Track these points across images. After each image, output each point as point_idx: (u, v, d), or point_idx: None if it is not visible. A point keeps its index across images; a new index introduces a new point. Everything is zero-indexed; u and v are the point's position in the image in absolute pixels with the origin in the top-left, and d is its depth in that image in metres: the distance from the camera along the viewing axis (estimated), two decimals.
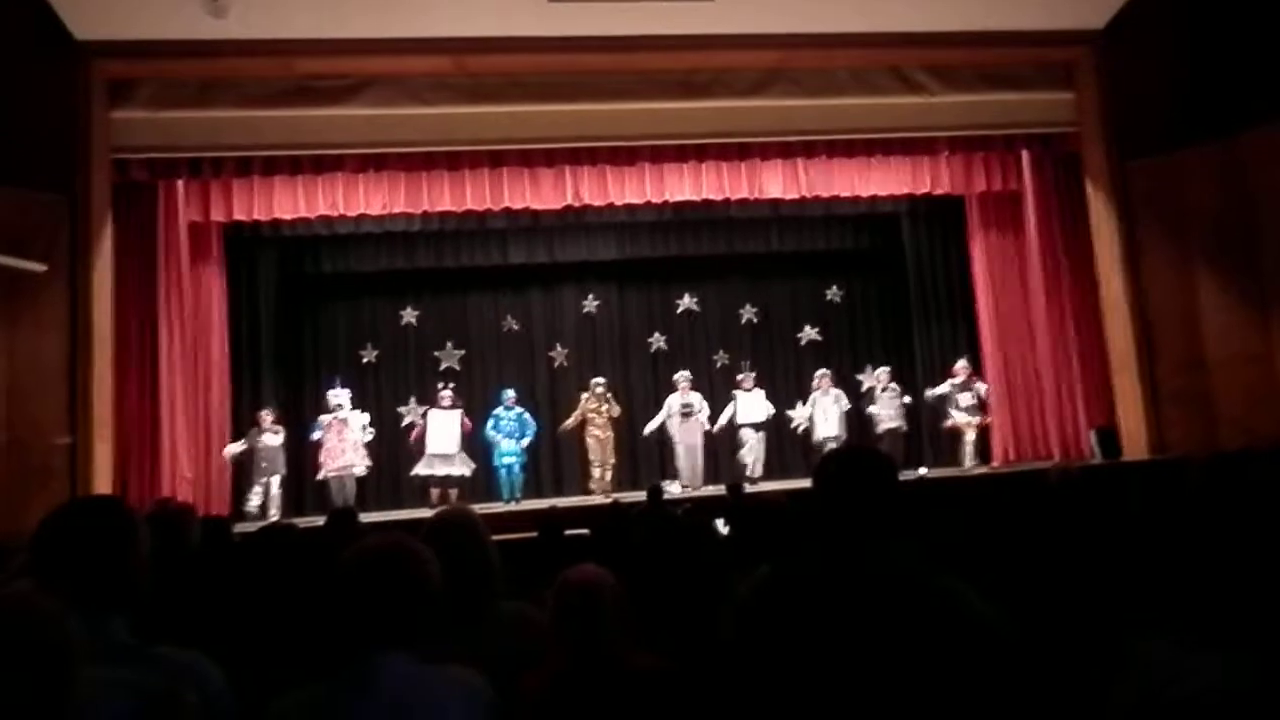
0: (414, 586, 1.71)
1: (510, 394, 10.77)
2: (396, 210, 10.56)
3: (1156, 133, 9.96)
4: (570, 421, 10.81)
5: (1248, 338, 9.52)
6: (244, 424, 10.38)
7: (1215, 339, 9.72)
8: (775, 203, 11.32)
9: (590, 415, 10.76)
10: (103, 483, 8.57)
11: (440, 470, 10.39)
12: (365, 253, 11.72)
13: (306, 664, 1.77)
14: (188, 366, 10.03)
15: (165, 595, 2.22)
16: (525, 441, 10.58)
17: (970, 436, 10.80)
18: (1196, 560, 1.36)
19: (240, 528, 6.95)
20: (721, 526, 5.59)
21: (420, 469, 10.45)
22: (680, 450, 10.72)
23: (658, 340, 12.36)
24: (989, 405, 11.09)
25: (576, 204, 10.75)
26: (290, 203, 10.27)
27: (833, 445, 10.12)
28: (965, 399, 10.85)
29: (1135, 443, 10.03)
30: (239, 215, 10.30)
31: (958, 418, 10.86)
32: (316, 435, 10.13)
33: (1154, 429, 10.02)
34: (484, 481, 10.75)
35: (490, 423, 10.57)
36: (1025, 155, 11.17)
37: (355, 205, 10.37)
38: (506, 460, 10.42)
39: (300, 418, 10.95)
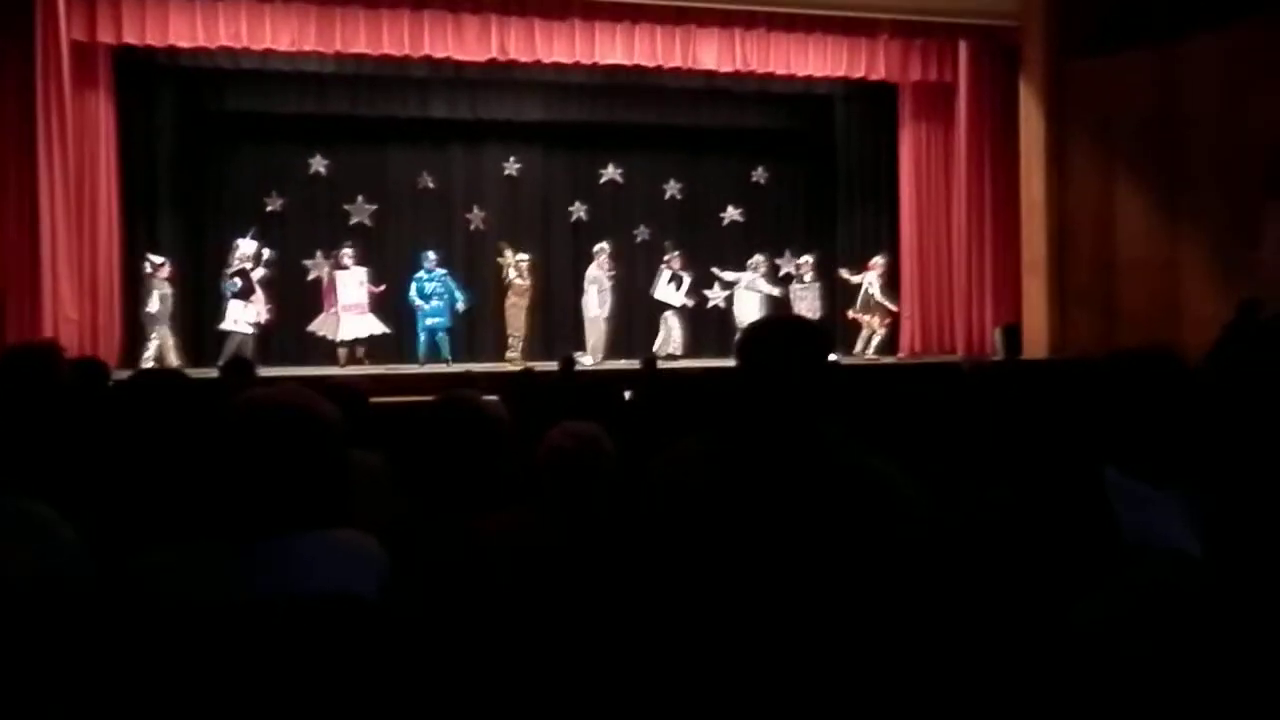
0: (314, 447, 1.54)
1: (432, 256, 10.34)
2: (307, 48, 9.80)
3: (1097, 34, 9.88)
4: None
5: (1158, 245, 9.75)
6: (137, 267, 9.80)
7: (1126, 244, 9.95)
8: (708, 74, 10.94)
9: (508, 281, 10.53)
10: None
11: (348, 331, 10.06)
12: (273, 93, 10.95)
13: (180, 523, 1.62)
14: (71, 201, 9.29)
15: (22, 440, 2.01)
16: (459, 306, 10.30)
17: (877, 329, 10.99)
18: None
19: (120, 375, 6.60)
20: (626, 395, 5.61)
21: (321, 327, 10.10)
22: (587, 322, 10.62)
23: (579, 210, 12.04)
24: (895, 299, 11.25)
25: (502, 58, 10.17)
26: (188, 29, 9.41)
27: None
28: (876, 293, 10.98)
29: (1037, 342, 10.34)
30: (129, 38, 9.39)
31: (865, 311, 11.01)
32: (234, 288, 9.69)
33: (1056, 329, 10.33)
34: (396, 342, 10.47)
35: (413, 286, 10.16)
36: (964, 47, 10.99)
37: (261, 39, 9.58)
38: (430, 322, 10.11)
39: (199, 266, 10.41)
